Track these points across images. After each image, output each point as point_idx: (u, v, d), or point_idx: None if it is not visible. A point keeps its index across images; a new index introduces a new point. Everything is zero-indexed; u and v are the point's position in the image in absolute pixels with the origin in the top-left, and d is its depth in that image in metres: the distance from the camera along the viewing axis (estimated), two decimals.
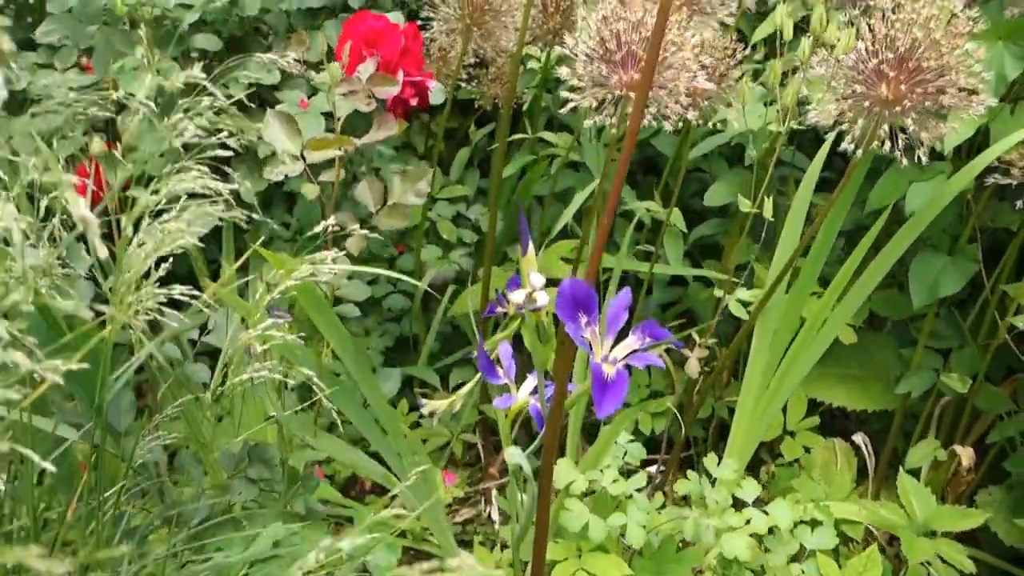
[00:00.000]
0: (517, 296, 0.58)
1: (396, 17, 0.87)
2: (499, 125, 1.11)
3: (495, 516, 1.23)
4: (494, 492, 1.27)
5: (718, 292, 0.97)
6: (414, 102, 0.84)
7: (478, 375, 1.10)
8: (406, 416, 1.27)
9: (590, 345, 0.61)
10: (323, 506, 0.78)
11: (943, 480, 1.03)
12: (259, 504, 0.74)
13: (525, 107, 1.29)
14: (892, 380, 1.10)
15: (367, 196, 0.77)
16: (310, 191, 0.74)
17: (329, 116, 0.80)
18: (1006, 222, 0.94)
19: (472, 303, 1.30)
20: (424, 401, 0.99)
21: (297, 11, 0.91)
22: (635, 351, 0.62)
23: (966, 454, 0.98)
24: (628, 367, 0.60)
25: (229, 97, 0.88)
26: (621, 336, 0.63)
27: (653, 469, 1.19)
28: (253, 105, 0.92)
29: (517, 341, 0.71)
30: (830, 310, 0.95)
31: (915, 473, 1.04)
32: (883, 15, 0.71)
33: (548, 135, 1.26)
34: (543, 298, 0.57)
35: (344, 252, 0.62)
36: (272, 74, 0.88)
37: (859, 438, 1.13)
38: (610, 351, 0.62)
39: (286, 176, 0.78)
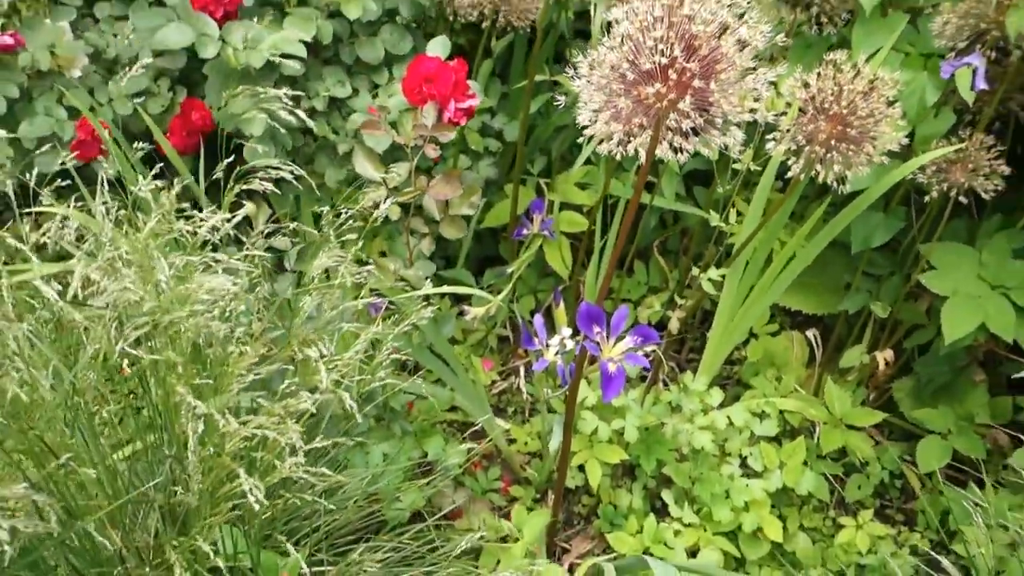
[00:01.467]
0: (555, 341, 0.90)
1: (442, 42, 1.12)
2: (530, 64, 1.35)
3: (523, 387, 1.62)
4: (521, 369, 1.64)
5: (709, 217, 1.26)
6: (463, 121, 1.11)
7: (510, 284, 1.45)
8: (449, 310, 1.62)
9: (599, 346, 0.94)
10: (410, 426, 1.16)
11: (868, 373, 1.40)
12: (370, 428, 1.12)
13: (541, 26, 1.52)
14: (842, 288, 1.43)
15: (433, 208, 1.07)
16: (394, 212, 1.04)
17: (400, 147, 1.08)
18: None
19: (502, 216, 1.60)
20: (467, 308, 1.35)
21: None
22: (630, 351, 0.95)
23: (884, 357, 1.33)
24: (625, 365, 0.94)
25: (312, 110, 1.16)
26: (621, 337, 0.95)
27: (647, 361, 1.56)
28: (333, 111, 1.19)
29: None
30: (801, 245, 1.25)
31: (848, 368, 1.41)
32: (821, 79, 0.97)
33: (562, 78, 1.50)
34: (571, 344, 0.89)
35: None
36: (345, 88, 1.15)
37: (811, 333, 1.48)
38: (612, 349, 0.95)
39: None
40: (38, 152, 1.28)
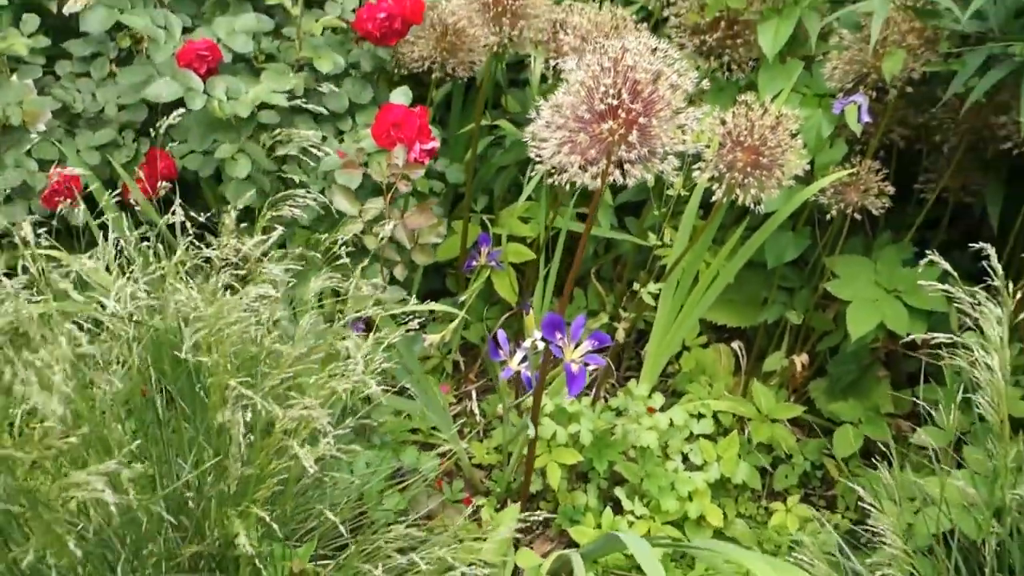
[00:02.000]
0: (526, 343, 1.04)
1: (405, 92, 1.27)
2: (475, 110, 1.51)
3: (475, 410, 1.74)
4: (474, 394, 1.77)
5: (646, 242, 1.43)
6: (426, 161, 1.26)
7: (462, 312, 1.59)
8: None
9: (562, 350, 1.09)
10: (386, 436, 1.28)
11: (788, 376, 1.59)
12: (352, 440, 1.23)
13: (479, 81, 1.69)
14: (760, 303, 1.63)
15: (404, 238, 1.21)
16: (370, 242, 1.17)
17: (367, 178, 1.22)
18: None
19: (451, 251, 1.74)
20: (424, 335, 1.48)
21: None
22: (589, 352, 1.10)
23: (800, 360, 1.52)
24: (585, 364, 1.09)
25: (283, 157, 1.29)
26: (580, 343, 1.11)
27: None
28: (303, 156, 1.32)
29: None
30: (723, 264, 1.44)
31: (770, 373, 1.59)
32: (735, 117, 1.16)
33: (502, 123, 1.67)
34: (541, 345, 1.03)
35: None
36: (316, 135, 1.28)
37: (735, 345, 1.66)
38: (574, 352, 1.10)
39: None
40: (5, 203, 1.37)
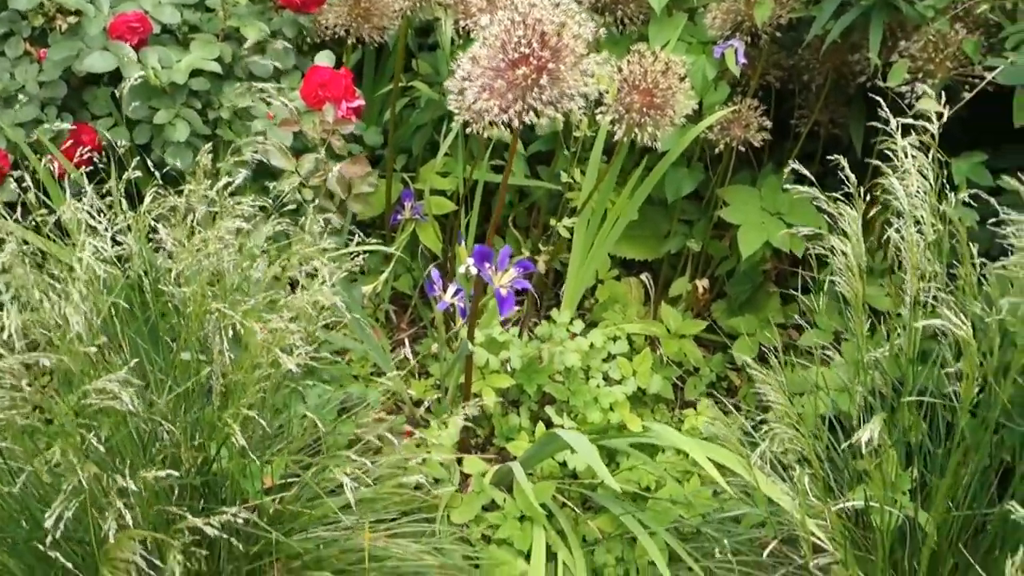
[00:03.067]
0: (460, 269, 1.18)
1: (328, 55, 1.39)
2: (395, 70, 1.63)
3: (410, 355, 1.88)
4: (407, 341, 1.90)
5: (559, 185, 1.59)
6: (353, 118, 1.38)
7: (391, 264, 1.72)
8: None
9: (492, 278, 1.24)
10: (334, 373, 1.41)
11: (692, 299, 1.78)
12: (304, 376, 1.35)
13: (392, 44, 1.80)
14: (664, 237, 1.81)
15: (337, 188, 1.33)
16: (307, 194, 1.29)
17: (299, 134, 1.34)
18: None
19: (377, 207, 1.86)
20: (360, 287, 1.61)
21: None
22: (516, 278, 1.25)
23: (702, 285, 1.71)
24: (513, 288, 1.24)
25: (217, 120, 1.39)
26: (507, 271, 1.25)
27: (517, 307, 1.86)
28: (235, 119, 1.42)
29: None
30: (627, 201, 1.61)
31: (677, 297, 1.78)
32: (633, 63, 1.32)
33: (417, 84, 1.79)
34: (474, 270, 1.18)
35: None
36: (246, 99, 1.39)
37: (644, 277, 1.84)
38: (502, 278, 1.25)
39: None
40: None
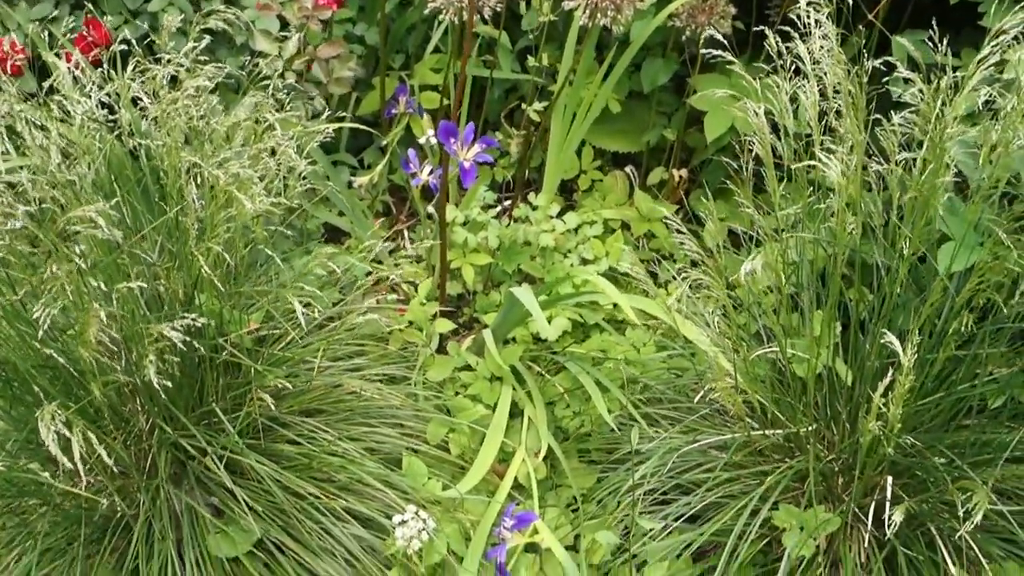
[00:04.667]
0: (421, 140, 1.30)
1: None
2: None
3: (408, 246, 2.01)
4: (405, 232, 2.04)
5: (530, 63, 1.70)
6: (334, 6, 1.49)
7: (386, 156, 1.85)
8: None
9: (456, 152, 1.36)
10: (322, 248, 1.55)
11: (670, 188, 1.88)
12: (291, 249, 1.50)
13: None
14: (646, 130, 1.90)
15: (320, 74, 1.45)
16: (290, 77, 1.41)
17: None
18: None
19: (372, 105, 1.98)
20: (353, 179, 1.75)
21: None
22: (479, 152, 1.37)
23: (679, 173, 1.81)
24: (476, 163, 1.36)
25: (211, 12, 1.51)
26: (472, 145, 1.37)
27: (508, 203, 1.98)
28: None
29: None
30: (599, 88, 1.70)
31: (658, 187, 1.88)
32: None
33: None
34: (434, 140, 1.30)
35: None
36: None
37: (628, 169, 1.94)
38: (466, 153, 1.37)
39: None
40: None
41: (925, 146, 1.02)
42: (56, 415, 0.79)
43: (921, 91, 1.05)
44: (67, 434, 0.80)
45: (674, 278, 1.82)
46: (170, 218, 1.03)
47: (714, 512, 1.20)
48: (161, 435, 1.08)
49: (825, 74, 1.05)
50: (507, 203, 1.95)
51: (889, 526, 1.01)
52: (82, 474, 0.83)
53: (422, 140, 1.41)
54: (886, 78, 1.16)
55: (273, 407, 1.08)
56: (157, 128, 1.02)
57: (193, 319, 0.91)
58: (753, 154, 1.22)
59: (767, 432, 1.17)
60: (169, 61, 1.07)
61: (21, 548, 1.09)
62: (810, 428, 1.20)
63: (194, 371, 1.11)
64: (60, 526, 1.06)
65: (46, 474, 0.78)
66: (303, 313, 1.02)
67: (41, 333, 0.83)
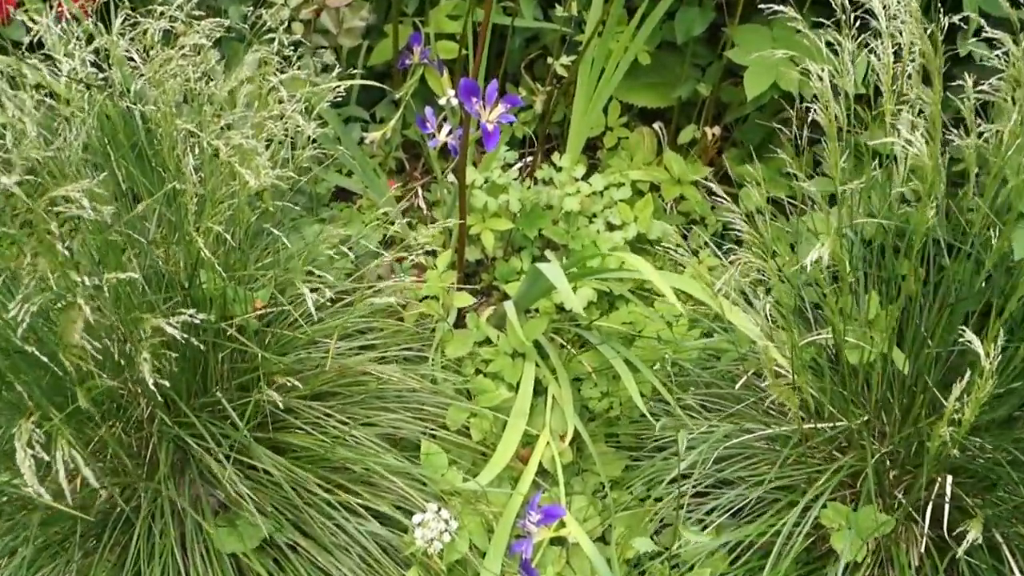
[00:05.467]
0: (441, 101, 1.18)
1: None
2: None
3: (423, 204, 1.90)
4: (419, 190, 1.92)
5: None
6: None
7: (399, 111, 1.73)
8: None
9: (479, 113, 1.24)
10: (335, 214, 1.44)
11: (703, 147, 1.75)
12: (302, 216, 1.39)
13: None
14: (678, 83, 1.77)
15: (329, 24, 1.32)
16: (297, 28, 1.29)
17: None
18: None
19: (384, 54, 1.85)
20: (365, 134, 1.63)
21: None
22: (503, 113, 1.25)
23: (712, 131, 1.69)
24: (499, 124, 1.24)
25: None
26: (495, 105, 1.25)
27: (528, 159, 1.86)
28: None
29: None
30: (630, 41, 1.57)
31: (689, 146, 1.76)
32: None
33: None
34: (455, 102, 1.18)
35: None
36: None
37: (656, 125, 1.82)
38: (489, 114, 1.25)
39: None
40: None
41: (1013, 117, 0.90)
42: (34, 435, 0.70)
43: (1007, 53, 0.93)
44: (45, 457, 0.71)
45: (706, 244, 1.72)
46: (168, 190, 0.92)
47: (756, 508, 1.12)
48: (162, 426, 0.99)
49: (900, 32, 0.93)
50: (528, 160, 1.83)
51: (955, 536, 0.92)
52: (67, 495, 0.75)
53: (442, 101, 1.29)
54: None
55: (280, 403, 0.98)
56: (151, 88, 0.91)
57: (191, 315, 0.81)
58: (802, 118, 1.10)
59: (819, 426, 1.07)
60: (162, 15, 0.95)
61: (14, 545, 1.01)
62: (863, 419, 1.10)
63: (196, 357, 1.02)
64: (53, 525, 0.98)
65: (29, 488, 0.70)
66: (312, 299, 0.92)
67: (20, 332, 0.74)
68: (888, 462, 1.14)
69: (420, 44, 1.80)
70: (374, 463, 1.07)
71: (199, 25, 0.92)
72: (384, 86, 1.94)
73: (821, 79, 0.95)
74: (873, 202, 1.16)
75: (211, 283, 1.01)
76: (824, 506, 1.07)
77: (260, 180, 0.87)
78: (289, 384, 1.00)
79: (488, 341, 1.44)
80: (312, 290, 0.92)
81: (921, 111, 0.95)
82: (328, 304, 1.28)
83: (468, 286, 1.68)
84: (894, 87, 0.94)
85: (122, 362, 0.87)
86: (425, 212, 1.89)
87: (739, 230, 1.74)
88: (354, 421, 1.16)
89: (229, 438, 1.03)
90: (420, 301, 1.49)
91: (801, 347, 1.07)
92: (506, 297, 1.62)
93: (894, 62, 0.94)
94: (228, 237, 0.89)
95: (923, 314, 1.13)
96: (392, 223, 1.59)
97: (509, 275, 1.59)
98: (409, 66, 1.83)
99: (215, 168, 0.89)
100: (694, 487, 1.17)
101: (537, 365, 1.41)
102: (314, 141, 1.17)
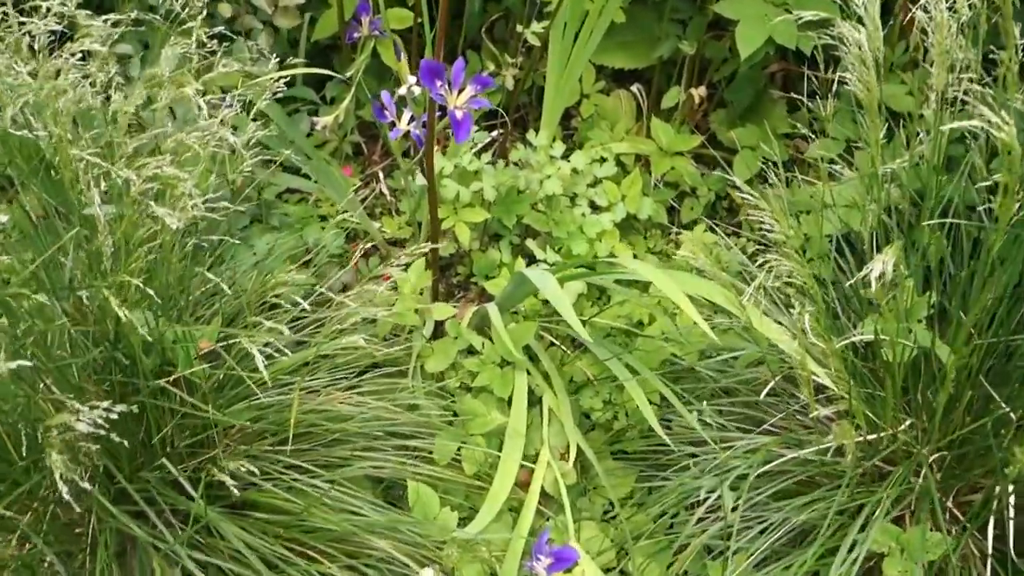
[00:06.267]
0: (401, 90, 1.00)
1: None
2: None
3: (385, 190, 1.71)
4: (380, 174, 1.73)
5: None
6: None
7: (352, 90, 1.52)
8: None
9: (445, 99, 1.05)
10: (287, 218, 1.25)
11: (688, 110, 1.58)
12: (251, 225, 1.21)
13: None
14: (655, 41, 1.59)
15: (263, 2, 1.12)
16: (225, 9, 1.08)
17: None
18: None
19: (330, 27, 1.64)
20: (315, 119, 1.43)
21: None
22: (473, 96, 1.06)
23: (698, 93, 1.51)
24: (470, 109, 1.05)
25: None
26: (463, 88, 1.06)
27: (495, 133, 1.67)
28: None
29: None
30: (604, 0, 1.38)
31: (672, 110, 1.58)
32: None
33: None
34: (417, 89, 0.99)
35: None
36: None
37: (635, 88, 1.64)
38: (457, 99, 1.06)
39: None
40: None
41: None
42: None
43: None
44: None
45: (702, 219, 1.55)
46: (73, 235, 0.74)
47: (797, 534, 0.98)
48: (100, 514, 0.82)
49: None
50: (497, 135, 1.65)
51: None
52: None
53: (401, 90, 1.10)
54: None
55: (237, 471, 0.81)
56: (39, 110, 0.72)
57: (107, 408, 0.63)
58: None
59: (869, 438, 0.93)
60: (49, 11, 0.76)
61: None
62: (906, 424, 0.96)
63: (134, 423, 0.84)
64: None
65: None
66: (264, 351, 0.75)
67: None
68: (933, 467, 1.00)
69: (369, 13, 1.59)
70: (354, 526, 0.91)
71: (95, 23, 0.72)
72: (332, 66, 1.74)
73: (859, 45, 0.78)
74: (902, 177, 1.01)
75: (144, 329, 0.82)
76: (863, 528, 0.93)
77: (184, 216, 0.69)
78: (244, 430, 0.83)
79: (472, 351, 1.27)
80: (264, 344, 0.74)
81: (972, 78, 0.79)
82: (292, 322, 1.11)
83: (444, 280, 1.51)
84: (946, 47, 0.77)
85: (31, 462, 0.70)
86: (388, 198, 1.70)
87: (734, 203, 1.59)
88: (330, 466, 1.00)
89: (181, 512, 0.86)
90: (391, 307, 1.32)
91: (839, 351, 0.91)
92: (485, 292, 1.45)
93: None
94: (147, 291, 0.71)
95: (965, 299, 0.98)
96: (356, 222, 1.41)
97: (488, 269, 1.42)
98: (358, 39, 1.62)
99: (130, 203, 0.70)
100: (713, 507, 1.02)
101: (528, 373, 1.25)
102: (257, 145, 0.98)
